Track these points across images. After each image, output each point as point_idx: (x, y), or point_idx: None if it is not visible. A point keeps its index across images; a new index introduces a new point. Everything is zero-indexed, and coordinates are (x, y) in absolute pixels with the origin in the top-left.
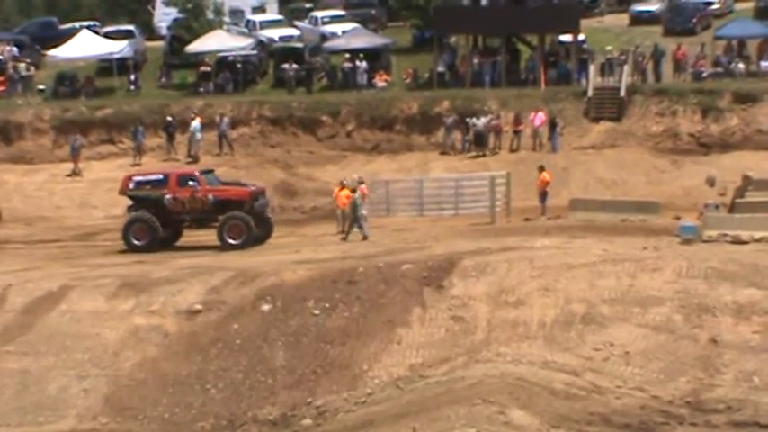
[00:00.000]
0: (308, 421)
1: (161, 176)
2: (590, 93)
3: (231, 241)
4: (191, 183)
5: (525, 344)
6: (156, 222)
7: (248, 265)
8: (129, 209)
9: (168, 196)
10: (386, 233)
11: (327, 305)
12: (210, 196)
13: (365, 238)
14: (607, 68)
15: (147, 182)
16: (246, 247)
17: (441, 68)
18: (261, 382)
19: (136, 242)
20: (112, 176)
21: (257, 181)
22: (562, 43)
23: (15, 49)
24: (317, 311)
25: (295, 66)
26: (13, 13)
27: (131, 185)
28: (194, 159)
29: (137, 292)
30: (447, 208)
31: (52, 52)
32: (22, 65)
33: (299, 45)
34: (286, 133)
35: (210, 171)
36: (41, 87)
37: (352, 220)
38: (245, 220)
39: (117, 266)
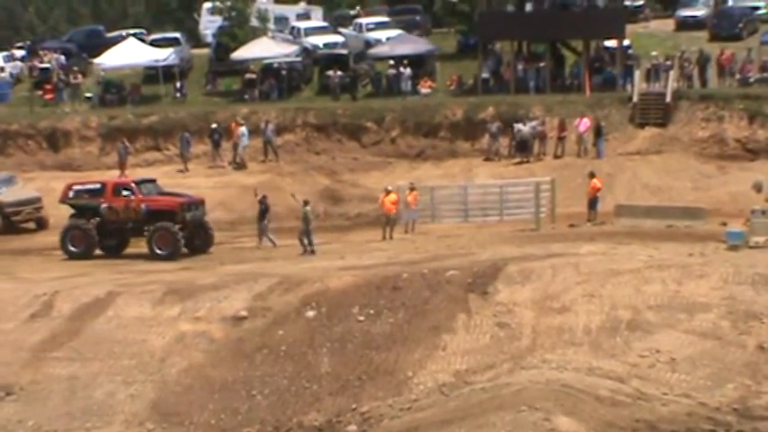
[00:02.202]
0: (352, 427)
1: (98, 185)
2: (635, 98)
3: (159, 251)
4: (125, 192)
5: (570, 350)
6: (93, 230)
7: (293, 272)
8: (71, 217)
9: (104, 205)
10: (430, 239)
11: (372, 311)
12: (143, 206)
13: (312, 252)
14: (653, 74)
15: (86, 191)
16: (175, 258)
17: (485, 74)
18: (306, 388)
19: (72, 249)
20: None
21: (302, 187)
22: (607, 49)
23: (63, 57)
24: (361, 318)
25: (340, 72)
26: (61, 21)
27: (71, 194)
28: (240, 166)
29: (182, 298)
30: (492, 214)
31: (99, 60)
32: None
33: (344, 52)
34: (331, 140)
35: (152, 180)
36: (88, 95)
37: (302, 231)
38: (171, 231)
39: (163, 273)
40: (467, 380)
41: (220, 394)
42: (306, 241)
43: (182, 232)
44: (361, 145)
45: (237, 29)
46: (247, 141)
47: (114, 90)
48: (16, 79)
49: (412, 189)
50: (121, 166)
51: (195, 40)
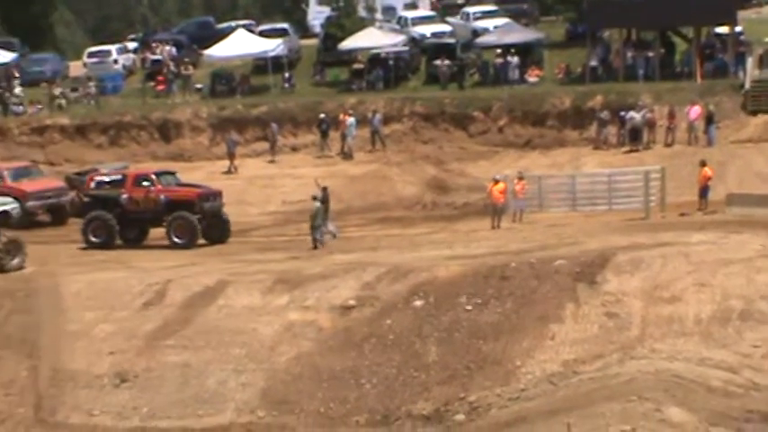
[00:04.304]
0: (460, 416)
1: (119, 177)
2: (747, 85)
3: (177, 240)
4: (145, 183)
5: (681, 340)
6: (113, 221)
7: (401, 261)
8: (87, 207)
9: (125, 196)
10: (538, 229)
11: (480, 301)
12: (162, 196)
13: (315, 247)
14: (765, 60)
15: (107, 182)
16: (192, 246)
17: (593, 63)
18: (414, 377)
19: (93, 239)
20: (267, 173)
21: (409, 177)
22: (718, 35)
23: (174, 49)
24: (469, 307)
25: (447, 62)
26: (173, 13)
27: (92, 185)
28: (347, 156)
29: (291, 287)
30: (600, 203)
31: (209, 51)
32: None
33: (451, 41)
34: (438, 129)
35: (172, 173)
36: (199, 86)
37: (310, 227)
38: (189, 220)
39: (272, 262)
40: (575, 369)
41: (329, 383)
42: (316, 234)
43: (200, 222)
44: (469, 134)
45: (345, 19)
46: (355, 131)
47: (224, 81)
48: (129, 71)
49: (520, 178)
50: (230, 156)
51: (303, 30)
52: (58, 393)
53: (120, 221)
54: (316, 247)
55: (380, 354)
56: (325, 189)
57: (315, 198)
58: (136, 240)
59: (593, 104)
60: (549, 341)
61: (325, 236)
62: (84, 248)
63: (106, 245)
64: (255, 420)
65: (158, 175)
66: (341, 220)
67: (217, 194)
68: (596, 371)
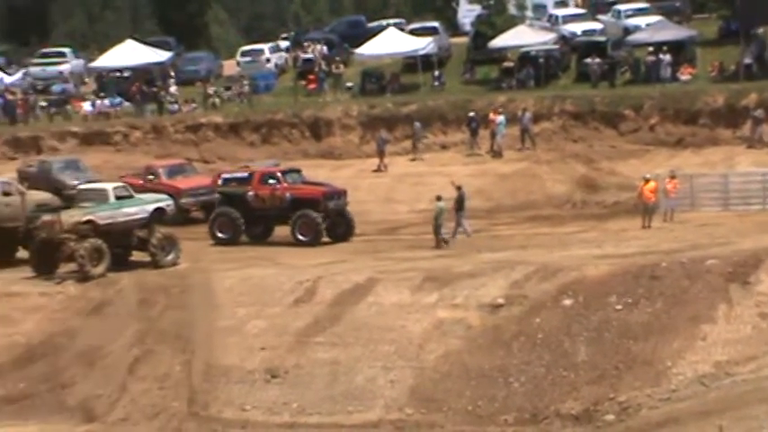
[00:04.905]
0: (610, 417)
1: (246, 174)
2: None
3: (301, 238)
4: (271, 181)
5: None
6: (240, 217)
7: (550, 260)
8: (218, 204)
9: (251, 193)
10: (689, 228)
11: (630, 300)
12: (287, 194)
13: (440, 246)
14: None
15: (234, 179)
16: (316, 244)
17: (748, 60)
18: (563, 376)
19: (220, 235)
20: (417, 171)
21: (559, 175)
22: None
23: (326, 47)
24: (619, 307)
25: (598, 60)
26: (324, 12)
27: (220, 182)
28: (496, 154)
29: (440, 285)
30: (754, 203)
31: (360, 50)
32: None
33: (602, 39)
34: (588, 128)
35: (297, 171)
36: (349, 85)
37: (433, 227)
38: (313, 219)
39: (420, 260)
40: (728, 371)
41: (477, 381)
42: (440, 234)
43: (324, 221)
44: (619, 133)
45: (496, 17)
46: (504, 130)
47: (374, 79)
48: (281, 70)
49: (672, 177)
50: (380, 154)
51: (454, 29)
52: (210, 388)
53: (245, 218)
54: (440, 246)
55: (529, 352)
56: (459, 188)
57: (439, 198)
58: (261, 237)
59: (746, 102)
60: (700, 342)
61: (459, 235)
62: (214, 245)
63: (232, 241)
64: (404, 418)
65: (284, 173)
66: (490, 219)
67: (341, 193)
68: (749, 372)
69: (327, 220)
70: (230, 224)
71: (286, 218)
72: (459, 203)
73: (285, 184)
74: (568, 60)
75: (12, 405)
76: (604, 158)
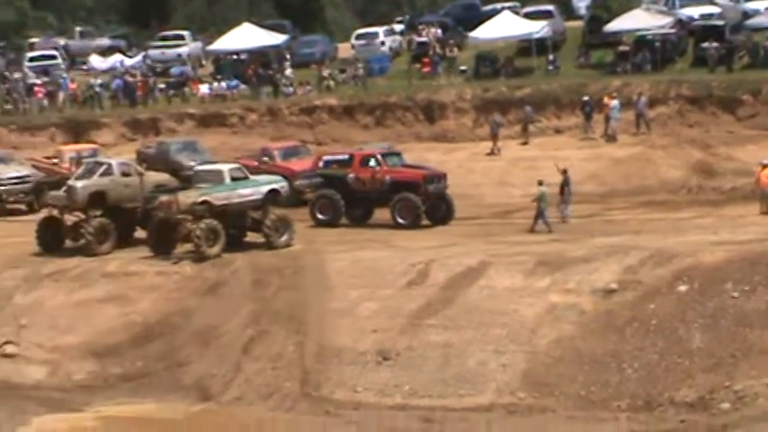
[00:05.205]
0: (726, 405)
1: (347, 156)
2: None
3: (401, 221)
4: (372, 164)
5: None
6: (340, 199)
7: (664, 246)
8: (319, 186)
9: (351, 175)
10: None
11: (747, 288)
12: (387, 177)
13: (550, 230)
14: None
15: (335, 161)
16: (415, 227)
17: None
18: (677, 363)
19: (321, 216)
20: (530, 155)
21: (674, 161)
22: None
23: (440, 31)
24: (735, 294)
25: (715, 44)
26: None
27: (321, 164)
28: (611, 139)
29: (552, 269)
30: None
31: (474, 33)
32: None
33: (720, 23)
34: (705, 113)
35: (397, 153)
36: (463, 68)
37: (537, 212)
38: (413, 202)
39: (533, 244)
40: None
41: (590, 366)
42: (542, 218)
43: (423, 204)
44: (737, 118)
45: (611, 1)
46: (619, 114)
47: (488, 63)
48: (395, 53)
49: None
50: (493, 138)
51: (568, 12)
52: (323, 369)
53: (346, 200)
54: (534, 231)
55: (643, 338)
56: (565, 172)
57: (540, 183)
58: (361, 219)
59: None
60: None
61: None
62: (313, 226)
63: (332, 222)
64: (516, 402)
65: (384, 156)
66: (604, 203)
67: (441, 176)
68: None
69: (427, 204)
70: (331, 206)
71: (386, 200)
72: (564, 187)
73: (385, 167)
74: (685, 44)
75: (129, 383)
76: (721, 144)
